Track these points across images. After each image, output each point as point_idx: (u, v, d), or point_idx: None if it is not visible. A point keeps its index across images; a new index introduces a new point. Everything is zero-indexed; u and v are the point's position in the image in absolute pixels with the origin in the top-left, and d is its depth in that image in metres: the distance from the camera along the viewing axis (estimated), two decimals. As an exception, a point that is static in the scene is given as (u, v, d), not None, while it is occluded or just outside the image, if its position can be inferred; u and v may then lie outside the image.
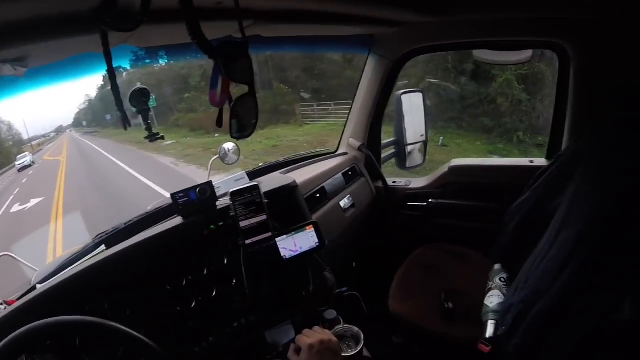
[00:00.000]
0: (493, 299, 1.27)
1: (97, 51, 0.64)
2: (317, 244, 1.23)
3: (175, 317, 1.06)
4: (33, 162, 15.61)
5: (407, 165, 2.10)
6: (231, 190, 1.13)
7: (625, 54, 1.36)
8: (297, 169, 1.82)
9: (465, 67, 8.59)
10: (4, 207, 8.58)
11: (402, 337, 1.56)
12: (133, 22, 0.60)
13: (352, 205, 1.84)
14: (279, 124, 13.65)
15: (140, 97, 1.02)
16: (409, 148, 2.07)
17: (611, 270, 0.85)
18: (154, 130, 1.03)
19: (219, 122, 0.76)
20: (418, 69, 8.99)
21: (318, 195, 1.65)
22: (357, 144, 2.05)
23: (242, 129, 0.78)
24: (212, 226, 1.16)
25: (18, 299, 0.99)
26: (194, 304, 1.09)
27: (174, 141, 13.25)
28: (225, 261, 1.16)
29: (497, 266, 1.41)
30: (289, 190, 1.36)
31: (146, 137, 1.01)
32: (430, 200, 2.00)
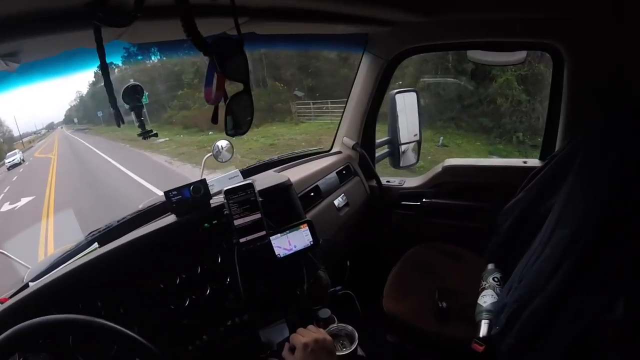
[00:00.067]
0: (486, 299, 1.28)
1: (90, 47, 0.63)
2: (312, 243, 1.23)
3: (169, 315, 1.06)
4: (23, 160, 15.32)
5: (401, 165, 2.11)
6: (225, 189, 1.13)
7: (618, 56, 1.38)
8: (291, 168, 1.82)
9: (465, 67, 8.61)
10: (-6, 206, 8.42)
11: (396, 336, 1.57)
12: (127, 18, 0.60)
13: (346, 204, 1.84)
14: (274, 122, 13.59)
15: (133, 93, 1.01)
16: (402, 147, 2.08)
17: (604, 269, 0.86)
18: (147, 128, 1.02)
19: (215, 119, 0.75)
20: (416, 69, 9.01)
21: (312, 193, 1.65)
22: (351, 142, 2.05)
23: (237, 126, 0.78)
24: (206, 224, 1.16)
25: (10, 297, 0.98)
26: (187, 302, 1.08)
27: (167, 139, 13.15)
28: (219, 260, 1.16)
29: (490, 266, 1.42)
30: (284, 188, 1.36)
31: (139, 134, 1.00)
32: (424, 200, 2.00)
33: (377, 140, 2.13)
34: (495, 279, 1.35)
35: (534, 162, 1.79)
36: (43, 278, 1.00)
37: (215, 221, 1.16)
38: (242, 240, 1.13)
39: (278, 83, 14.40)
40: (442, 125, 9.35)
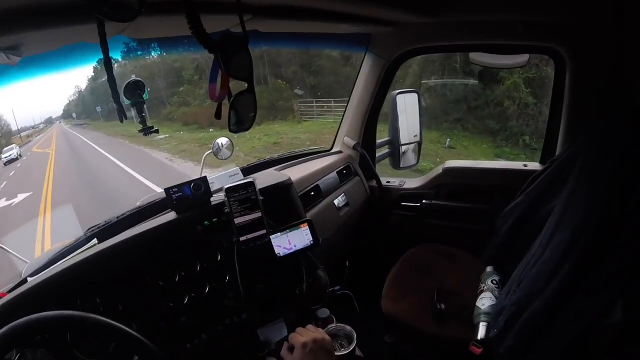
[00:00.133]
0: (485, 301, 1.28)
1: (92, 41, 0.63)
2: (311, 242, 1.23)
3: (167, 313, 1.05)
4: (20, 155, 14.95)
5: (401, 165, 2.11)
6: (226, 187, 1.12)
7: (620, 60, 1.38)
8: (291, 166, 1.81)
9: (472, 68, 8.59)
10: (-11, 202, 8.25)
11: (394, 337, 1.57)
12: (130, 13, 0.59)
13: (346, 204, 1.84)
14: (276, 120, 13.47)
15: (135, 89, 1.01)
16: (403, 148, 2.08)
17: (604, 272, 0.86)
18: (147, 124, 1.02)
19: (218, 114, 0.75)
20: (423, 69, 8.97)
21: (312, 193, 1.64)
22: (352, 142, 2.05)
23: (240, 122, 0.78)
24: (206, 222, 1.15)
25: (8, 291, 0.98)
26: (186, 300, 1.08)
27: (167, 135, 13.05)
28: (219, 258, 1.15)
29: (489, 268, 1.42)
30: (284, 187, 1.35)
31: (140, 130, 1.00)
32: (423, 201, 2.00)
33: (378, 141, 2.13)
34: (494, 282, 1.35)
35: (535, 165, 1.79)
36: (41, 273, 1.00)
37: (216, 219, 1.16)
38: (242, 238, 1.12)
39: (280, 81, 14.29)
40: (448, 127, 9.32)
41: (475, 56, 1.78)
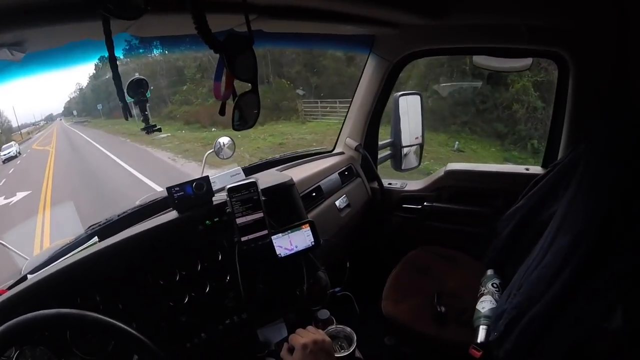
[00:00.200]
0: (485, 304, 1.28)
1: (96, 39, 0.63)
2: (313, 244, 1.22)
3: (167, 312, 1.05)
4: (19, 153, 14.74)
5: (403, 168, 2.10)
6: (228, 186, 1.12)
7: (623, 64, 1.38)
8: (293, 167, 1.81)
9: (481, 71, 8.58)
10: (-13, 201, 8.13)
11: (394, 339, 1.57)
12: (136, 11, 0.59)
13: (348, 205, 1.84)
14: (279, 120, 13.39)
15: (138, 87, 1.00)
16: (404, 150, 2.07)
17: (604, 277, 0.86)
18: (149, 122, 1.02)
19: (222, 111, 0.75)
20: (431, 70, 8.92)
21: (314, 194, 1.64)
22: (354, 144, 2.04)
23: (243, 120, 0.78)
24: (207, 222, 1.15)
25: (8, 288, 0.97)
26: (187, 299, 1.08)
27: (169, 134, 13.01)
28: (220, 257, 1.15)
29: (489, 272, 1.42)
30: (286, 188, 1.35)
31: (143, 129, 0.99)
32: (425, 204, 2.00)
33: (380, 142, 2.13)
34: (494, 285, 1.35)
35: (536, 169, 1.79)
36: (42, 271, 1.00)
37: (217, 219, 1.15)
38: (243, 238, 1.12)
39: (284, 80, 14.24)
40: (456, 130, 9.28)
41: (478, 59, 1.78)
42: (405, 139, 2.05)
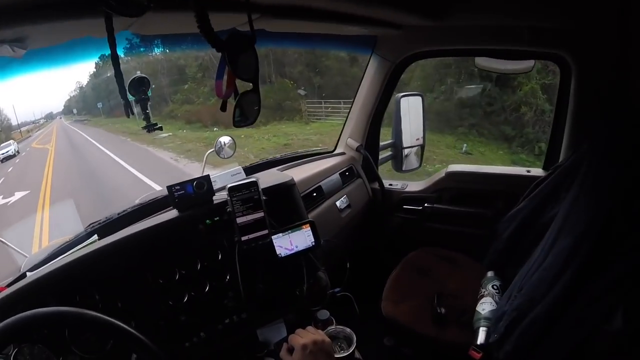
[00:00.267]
0: (485, 306, 1.28)
1: (98, 36, 0.62)
2: (313, 244, 1.22)
3: (167, 311, 1.05)
4: (18, 152, 14.48)
5: (404, 169, 2.10)
6: (229, 186, 1.11)
7: (624, 66, 1.37)
8: (294, 167, 1.81)
9: (490, 73, 8.57)
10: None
11: (394, 340, 1.57)
12: (139, 8, 0.59)
13: (348, 206, 1.84)
14: (282, 120, 13.30)
15: (139, 86, 1.00)
16: (405, 151, 2.07)
17: (605, 279, 0.86)
18: (150, 121, 1.01)
19: (224, 107, 0.75)
20: (438, 71, 8.86)
21: (315, 194, 1.64)
22: (355, 144, 2.04)
23: (244, 116, 0.78)
24: (207, 221, 1.14)
25: (7, 286, 0.97)
26: (186, 298, 1.08)
27: (170, 134, 12.94)
28: (220, 257, 1.15)
29: (490, 273, 1.42)
30: (287, 187, 1.35)
31: (144, 127, 0.99)
32: (426, 205, 2.00)
33: (381, 143, 2.13)
34: (495, 287, 1.35)
35: (538, 171, 1.79)
36: (41, 268, 0.99)
37: (218, 218, 1.15)
38: (243, 238, 1.11)
39: (288, 80, 14.17)
40: (463, 132, 9.23)
41: (480, 61, 1.78)
42: (407, 140, 2.05)
